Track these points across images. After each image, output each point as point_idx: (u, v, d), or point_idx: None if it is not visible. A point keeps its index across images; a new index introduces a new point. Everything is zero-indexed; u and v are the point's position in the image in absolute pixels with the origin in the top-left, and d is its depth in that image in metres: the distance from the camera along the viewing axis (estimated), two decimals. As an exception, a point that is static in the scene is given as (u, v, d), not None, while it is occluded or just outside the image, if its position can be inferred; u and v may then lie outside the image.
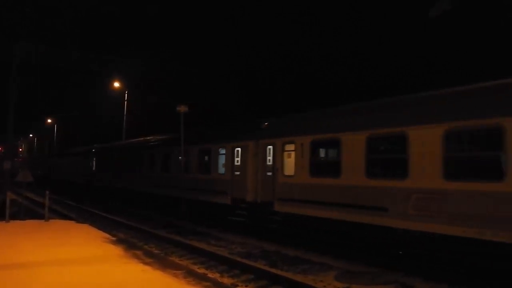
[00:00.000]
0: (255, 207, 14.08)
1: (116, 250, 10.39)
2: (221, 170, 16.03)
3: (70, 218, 17.99)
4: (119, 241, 11.99)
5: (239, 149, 15.03)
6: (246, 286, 8.58)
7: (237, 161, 15.18)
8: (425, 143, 8.87)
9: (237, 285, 8.56)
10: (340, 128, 10.93)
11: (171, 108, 17.46)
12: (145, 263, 9.11)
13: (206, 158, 17.18)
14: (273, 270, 9.18)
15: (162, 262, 9.55)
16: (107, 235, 12.78)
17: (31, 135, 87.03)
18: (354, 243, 10.94)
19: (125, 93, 35.45)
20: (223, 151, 15.92)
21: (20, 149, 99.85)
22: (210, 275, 9.20)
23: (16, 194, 20.04)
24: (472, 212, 7.94)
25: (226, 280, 8.88)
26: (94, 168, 30.90)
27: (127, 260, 9.33)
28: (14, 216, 16.12)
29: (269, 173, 13.54)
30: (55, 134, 64.72)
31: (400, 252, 9.84)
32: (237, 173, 15.06)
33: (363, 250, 10.64)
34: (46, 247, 10.34)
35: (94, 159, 31.18)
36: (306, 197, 11.83)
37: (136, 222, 17.29)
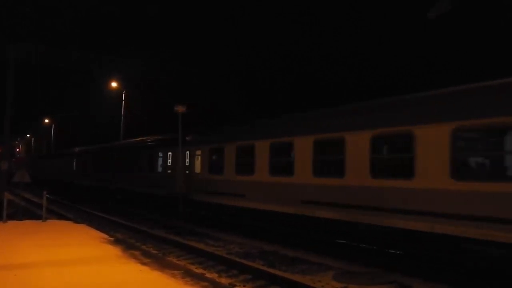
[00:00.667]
0: (182, 197, 17.82)
1: (114, 251, 10.36)
2: (160, 169, 20.90)
3: (68, 219, 17.95)
4: (117, 242, 11.97)
5: (171, 153, 19.59)
6: (244, 286, 8.57)
7: (169, 162, 19.77)
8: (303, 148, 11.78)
9: (235, 285, 8.54)
10: (223, 141, 15.58)
11: (170, 108, 17.60)
12: (143, 263, 9.09)
13: (152, 160, 21.82)
14: (271, 270, 9.17)
15: (160, 262, 9.52)
16: (105, 236, 12.75)
17: (28, 135, 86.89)
18: (352, 243, 10.95)
19: (122, 93, 35.41)
20: (161, 154, 20.78)
21: (18, 150, 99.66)
22: (208, 275, 9.18)
23: (13, 195, 20.00)
24: None
25: (224, 280, 8.86)
26: (74, 168, 35.79)
27: (125, 260, 9.30)
28: (12, 217, 16.09)
29: (187, 172, 17.94)
30: (52, 134, 64.59)
31: (399, 252, 9.85)
32: (169, 171, 19.53)
33: (362, 250, 10.65)
34: (44, 248, 10.31)
35: (74, 160, 36.07)
36: (207, 189, 16.21)
37: (134, 222, 17.27)
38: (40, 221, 15.53)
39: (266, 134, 13.46)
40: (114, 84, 34.59)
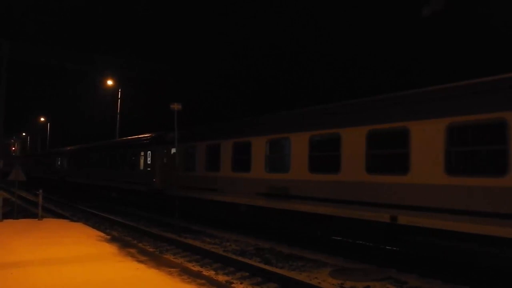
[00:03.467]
0: (159, 192, 19.28)
1: (110, 249, 10.36)
2: (142, 167, 21.79)
3: (64, 217, 17.90)
4: (113, 240, 11.95)
5: (150, 152, 20.85)
6: (241, 283, 8.59)
7: (149, 160, 20.81)
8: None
9: (232, 283, 8.57)
10: (195, 140, 17.15)
11: (162, 107, 17.76)
12: (140, 261, 9.09)
13: (134, 158, 22.84)
14: (268, 267, 9.20)
15: (156, 260, 9.52)
16: (101, 234, 12.74)
17: (23, 134, 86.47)
18: (348, 240, 11.00)
19: (118, 91, 35.29)
20: (142, 153, 21.61)
21: (13, 148, 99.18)
22: (205, 272, 9.21)
23: (9, 193, 19.92)
24: None
25: (221, 278, 8.88)
26: (61, 167, 38.66)
27: (121, 258, 9.30)
28: (8, 215, 16.03)
29: (166, 169, 19.16)
30: (48, 133, 64.31)
31: (395, 249, 9.91)
32: (149, 169, 20.56)
33: (357, 247, 10.70)
34: (40, 246, 10.29)
35: (59, 159, 39.28)
36: (184, 184, 17.48)
37: (130, 220, 17.26)
38: (36, 219, 15.49)
39: (230, 134, 15.01)
40: (109, 82, 34.44)
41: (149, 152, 20.78)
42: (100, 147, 28.85)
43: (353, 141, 10.20)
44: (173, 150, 18.64)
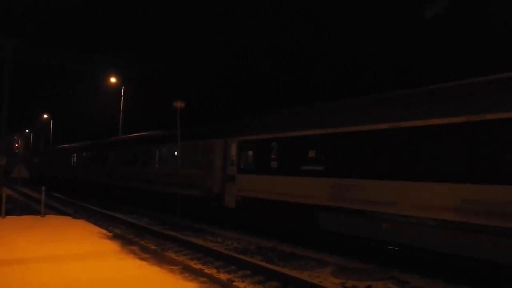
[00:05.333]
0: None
1: (112, 246, 10.38)
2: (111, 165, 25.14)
3: (67, 214, 17.96)
4: (115, 237, 11.98)
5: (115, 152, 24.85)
6: (242, 281, 8.59)
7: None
8: None
9: (234, 281, 8.56)
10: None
11: (163, 107, 17.72)
12: (142, 259, 9.11)
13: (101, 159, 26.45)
14: (270, 266, 9.20)
15: (158, 258, 9.54)
16: (103, 231, 12.77)
17: (27, 130, 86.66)
18: (350, 240, 10.98)
19: (121, 88, 35.33)
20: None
21: (16, 145, 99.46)
22: (206, 270, 9.20)
23: (12, 190, 19.98)
24: None
25: (223, 276, 8.88)
26: (48, 165, 42.25)
27: (123, 255, 9.32)
28: (10, 212, 16.09)
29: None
30: (51, 130, 64.45)
31: (397, 249, 9.89)
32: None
33: (359, 246, 10.68)
34: (42, 243, 10.33)
35: (48, 158, 43.83)
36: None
37: (132, 218, 17.29)
38: (39, 216, 15.54)
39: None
40: (113, 80, 34.46)
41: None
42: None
43: None
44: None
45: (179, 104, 17.08)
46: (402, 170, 9.24)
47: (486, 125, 7.86)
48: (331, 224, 10.98)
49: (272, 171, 12.95)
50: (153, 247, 11.71)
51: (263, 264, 9.45)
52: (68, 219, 15.47)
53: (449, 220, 8.15)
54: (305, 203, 11.54)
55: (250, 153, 14.16)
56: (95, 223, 15.06)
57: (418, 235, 8.89)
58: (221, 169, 15.16)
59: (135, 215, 18.65)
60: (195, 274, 8.31)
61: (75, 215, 17.47)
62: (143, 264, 8.62)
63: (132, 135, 27.23)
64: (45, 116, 64.24)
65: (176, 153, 18.36)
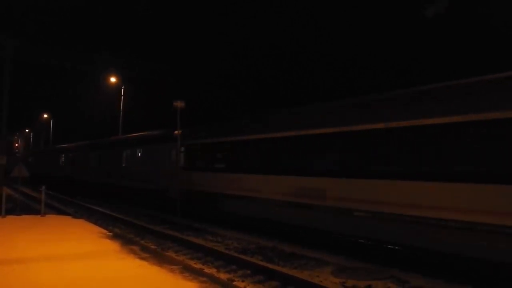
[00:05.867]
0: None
1: (112, 245, 10.38)
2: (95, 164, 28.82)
3: (67, 213, 17.96)
4: (115, 236, 11.98)
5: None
6: (242, 281, 8.59)
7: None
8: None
9: (234, 280, 8.57)
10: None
11: (163, 107, 17.84)
12: (142, 258, 9.10)
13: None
14: (270, 266, 9.20)
15: (158, 257, 9.53)
16: (103, 230, 12.76)
17: (27, 130, 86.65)
18: (350, 240, 10.99)
19: (121, 88, 35.33)
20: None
21: (17, 144, 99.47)
22: (206, 270, 9.21)
23: (12, 189, 19.98)
24: None
25: (223, 276, 8.89)
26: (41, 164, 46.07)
27: (123, 255, 9.32)
28: (10, 211, 16.09)
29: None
30: (51, 130, 64.45)
31: (397, 248, 9.89)
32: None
33: (359, 246, 10.68)
34: (42, 243, 10.32)
35: (39, 157, 48.73)
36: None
37: (132, 218, 17.29)
38: (39, 215, 15.54)
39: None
40: (113, 79, 34.46)
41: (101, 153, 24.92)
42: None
43: None
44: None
45: (179, 104, 17.08)
46: (264, 167, 13.47)
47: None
48: (228, 206, 15.13)
49: (198, 169, 17.27)
50: (153, 246, 11.73)
51: (263, 263, 9.45)
52: (68, 219, 15.47)
53: (292, 201, 12.23)
54: (213, 192, 15.95)
55: (188, 154, 18.12)
56: (95, 222, 15.06)
57: (274, 211, 12.93)
58: (169, 168, 18.98)
59: (135, 214, 18.65)
60: (195, 273, 8.30)
61: (75, 215, 17.47)
62: (143, 263, 8.61)
63: (109, 138, 31.52)
64: (45, 116, 64.25)
65: (139, 154, 22.96)
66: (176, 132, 18.30)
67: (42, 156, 49.02)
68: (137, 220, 16.81)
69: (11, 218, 14.87)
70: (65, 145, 42.22)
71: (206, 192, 16.41)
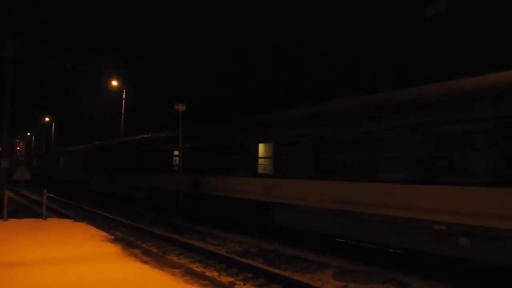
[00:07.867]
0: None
1: (114, 249, 10.39)
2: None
3: (68, 217, 17.96)
4: (117, 240, 11.99)
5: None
6: (244, 284, 8.59)
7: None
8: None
9: (235, 284, 8.57)
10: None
11: (163, 107, 17.74)
12: (143, 262, 9.11)
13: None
14: (271, 269, 9.20)
15: (160, 261, 9.55)
16: (105, 234, 12.77)
17: (28, 133, 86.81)
18: (352, 242, 10.98)
19: (122, 90, 35.41)
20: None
21: (18, 148, 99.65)
22: (208, 273, 9.21)
23: (14, 192, 19.99)
24: None
25: (224, 279, 8.88)
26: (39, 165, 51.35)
27: (125, 258, 9.33)
28: (12, 215, 16.10)
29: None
30: (52, 133, 64.55)
31: (398, 251, 9.89)
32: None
33: (361, 249, 10.68)
34: (44, 246, 10.34)
35: (37, 159, 54.11)
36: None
37: (133, 221, 17.29)
38: (40, 219, 15.55)
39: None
40: (114, 83, 34.52)
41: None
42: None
43: None
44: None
45: (180, 107, 17.03)
46: (219, 169, 15.59)
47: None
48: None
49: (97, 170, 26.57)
50: (154, 250, 11.72)
51: (265, 267, 9.45)
52: (69, 222, 15.48)
53: (256, 200, 13.54)
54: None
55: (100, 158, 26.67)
56: (97, 225, 15.07)
57: (223, 205, 15.09)
58: (87, 168, 30.41)
59: (136, 217, 18.64)
60: (196, 277, 8.32)
61: (77, 218, 17.48)
62: (145, 267, 8.62)
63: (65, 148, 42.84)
64: (47, 119, 64.35)
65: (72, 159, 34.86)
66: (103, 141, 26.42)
67: (46, 159, 49.82)
68: (138, 223, 16.81)
69: (13, 221, 14.89)
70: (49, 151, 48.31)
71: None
